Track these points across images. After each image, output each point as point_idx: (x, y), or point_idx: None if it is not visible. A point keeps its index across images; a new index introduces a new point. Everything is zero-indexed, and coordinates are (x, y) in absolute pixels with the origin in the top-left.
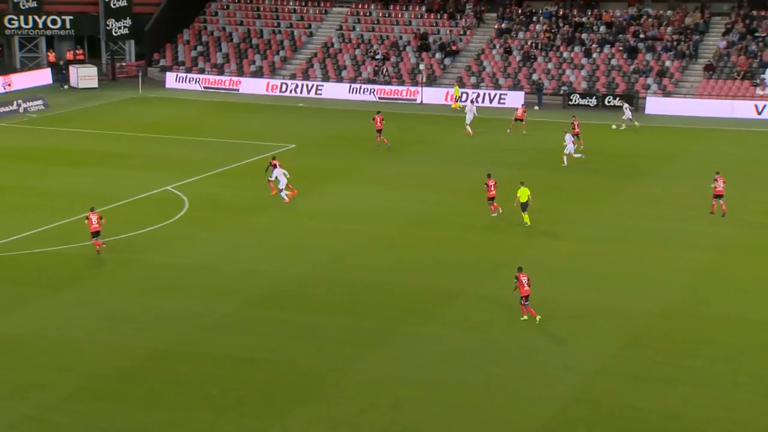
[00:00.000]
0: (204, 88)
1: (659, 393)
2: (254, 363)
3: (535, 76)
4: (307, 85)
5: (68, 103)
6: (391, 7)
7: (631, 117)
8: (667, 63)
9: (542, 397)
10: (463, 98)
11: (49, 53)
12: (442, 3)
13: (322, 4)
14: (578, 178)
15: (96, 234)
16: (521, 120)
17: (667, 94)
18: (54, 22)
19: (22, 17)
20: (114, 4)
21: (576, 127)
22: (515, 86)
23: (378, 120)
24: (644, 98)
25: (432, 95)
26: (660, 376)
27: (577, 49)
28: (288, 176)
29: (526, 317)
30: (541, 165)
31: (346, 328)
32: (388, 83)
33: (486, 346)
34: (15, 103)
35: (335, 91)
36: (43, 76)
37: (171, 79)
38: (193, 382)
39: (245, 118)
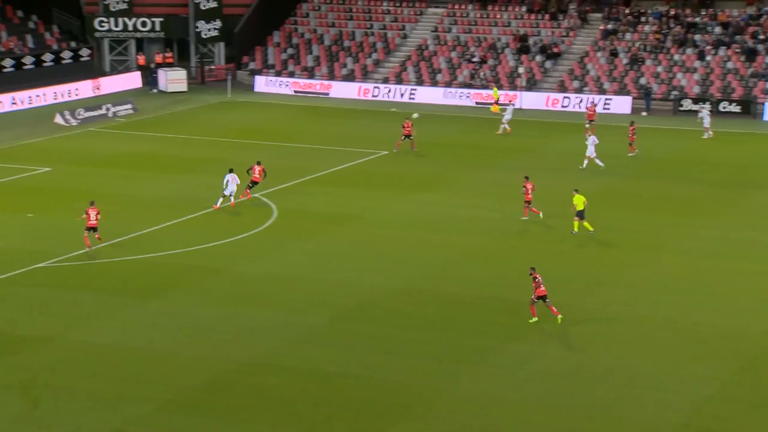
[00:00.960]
0: (294, 91)
1: None
2: (344, 378)
3: (643, 80)
4: (400, 90)
5: (157, 107)
6: (489, 8)
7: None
8: None
9: (649, 423)
10: (501, 98)
11: (138, 56)
12: (544, 3)
13: (417, 5)
14: (688, 188)
15: (92, 229)
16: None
17: None
18: (144, 24)
19: (112, 19)
20: (204, 6)
21: (632, 133)
22: (621, 91)
23: (408, 125)
24: (763, 104)
25: (531, 100)
26: None
27: (689, 51)
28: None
29: (536, 318)
30: (648, 175)
31: (439, 344)
32: (485, 87)
33: (586, 366)
34: (104, 107)
35: (429, 95)
36: (132, 80)
37: (260, 83)
38: (281, 396)
39: (335, 123)
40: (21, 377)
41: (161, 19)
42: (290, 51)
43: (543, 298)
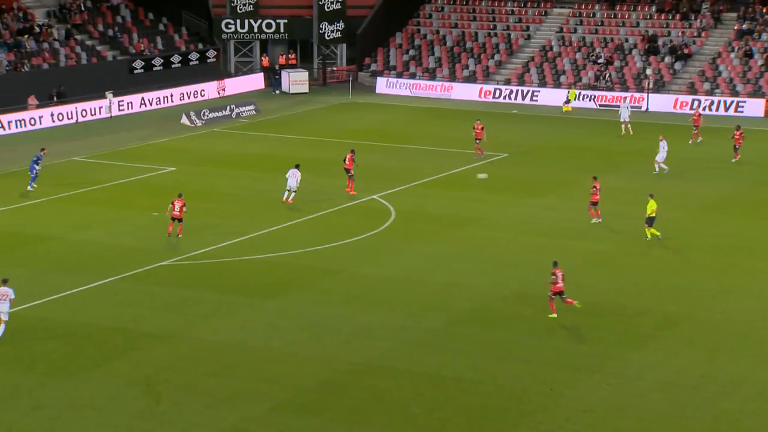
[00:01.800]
0: (414, 93)
1: None
2: (459, 383)
3: None
4: (522, 91)
5: (279, 109)
6: (617, 8)
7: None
8: None
9: None
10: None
11: (262, 58)
12: (675, 2)
13: (541, 5)
14: None
15: (176, 220)
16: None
17: None
18: (269, 25)
19: (238, 21)
20: (328, 7)
21: (738, 137)
22: (755, 93)
23: (478, 128)
24: None
25: (659, 102)
26: None
27: None
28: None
29: (555, 315)
30: None
31: (557, 351)
32: (611, 89)
33: (712, 377)
34: (228, 107)
35: (552, 97)
36: (255, 81)
37: (381, 84)
38: (396, 399)
39: (456, 125)
40: (144, 373)
41: (285, 21)
42: (412, 52)
43: (560, 293)
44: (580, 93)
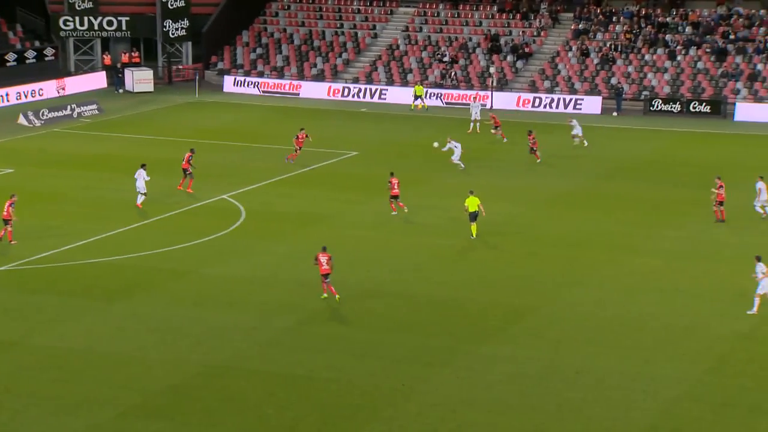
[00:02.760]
0: (263, 92)
1: (747, 421)
2: (311, 381)
3: (614, 80)
4: (370, 90)
5: (123, 108)
6: (461, 8)
7: (580, 133)
8: (759, 66)
9: (618, 425)
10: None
11: (104, 56)
12: (515, 3)
13: (387, 5)
14: (658, 189)
15: (5, 221)
16: (498, 127)
17: (759, 99)
18: (110, 23)
19: (77, 18)
20: (171, 5)
21: (532, 142)
22: (592, 91)
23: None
24: (733, 104)
25: (503, 100)
26: (748, 403)
27: (660, 51)
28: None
29: (326, 295)
30: (618, 175)
31: (408, 346)
32: (456, 87)
33: (557, 367)
34: (69, 107)
35: (400, 95)
36: (97, 80)
37: (229, 83)
38: (248, 400)
39: (305, 123)
40: None
41: (128, 18)
42: (259, 51)
43: (326, 275)
44: (427, 91)
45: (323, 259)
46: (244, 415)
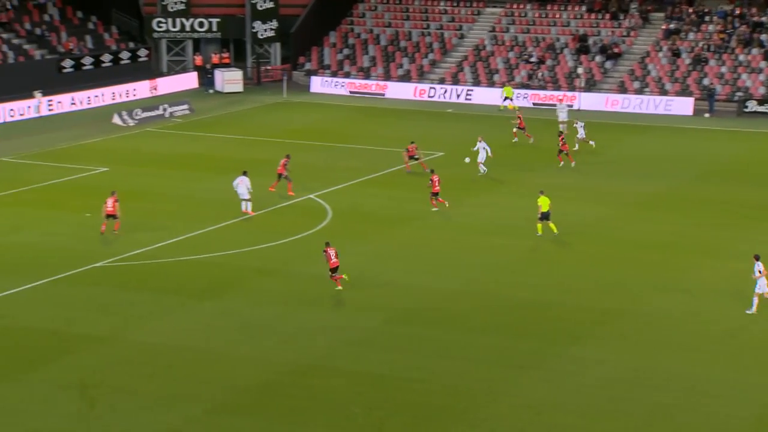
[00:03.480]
0: (349, 92)
1: None
2: (398, 382)
3: (706, 81)
4: (456, 90)
5: (213, 108)
6: (548, 8)
7: (584, 136)
8: None
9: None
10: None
11: (195, 56)
12: (604, 2)
13: (474, 5)
14: (754, 192)
15: (111, 216)
16: (523, 129)
17: None
18: (201, 24)
19: (170, 20)
20: (260, 6)
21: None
22: (683, 92)
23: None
24: None
25: (590, 101)
26: None
27: (755, 51)
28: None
29: (340, 287)
30: (712, 178)
31: (495, 348)
32: (543, 88)
33: (647, 372)
34: (161, 107)
35: (486, 96)
36: (189, 80)
37: (316, 83)
38: (335, 399)
39: (391, 124)
40: (79, 376)
41: (218, 20)
42: (346, 51)
43: (332, 270)
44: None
45: (332, 252)
46: (331, 414)
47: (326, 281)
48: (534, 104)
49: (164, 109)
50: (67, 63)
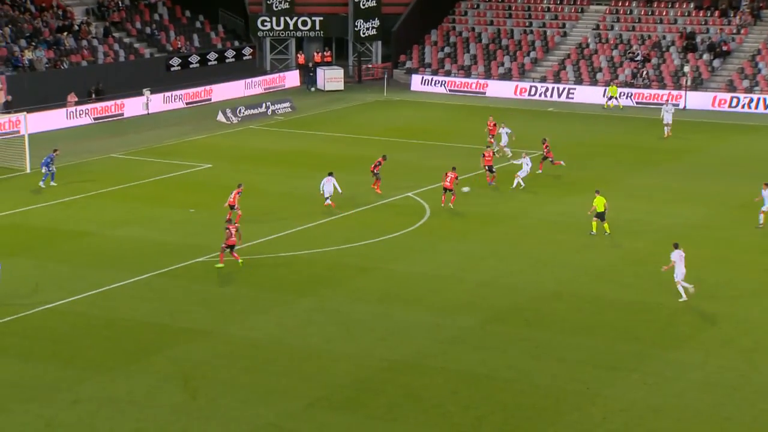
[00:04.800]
0: (449, 90)
1: None
2: (494, 381)
3: None
4: (558, 89)
5: (314, 106)
6: (655, 5)
7: (506, 143)
8: None
9: None
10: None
11: (298, 55)
12: (713, 0)
13: (578, 3)
14: None
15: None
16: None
17: None
18: (304, 23)
19: (274, 19)
20: (363, 5)
21: (546, 151)
22: None
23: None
24: None
25: (697, 100)
26: None
27: None
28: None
29: (222, 265)
30: None
31: (592, 349)
32: (648, 87)
33: (751, 377)
34: (264, 105)
35: (589, 95)
36: (291, 78)
37: (416, 82)
38: (431, 397)
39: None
40: (181, 369)
41: (321, 18)
42: (447, 50)
43: (231, 247)
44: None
45: (232, 230)
46: (427, 412)
47: (420, 279)
48: (638, 103)
49: (267, 107)
50: (175, 61)
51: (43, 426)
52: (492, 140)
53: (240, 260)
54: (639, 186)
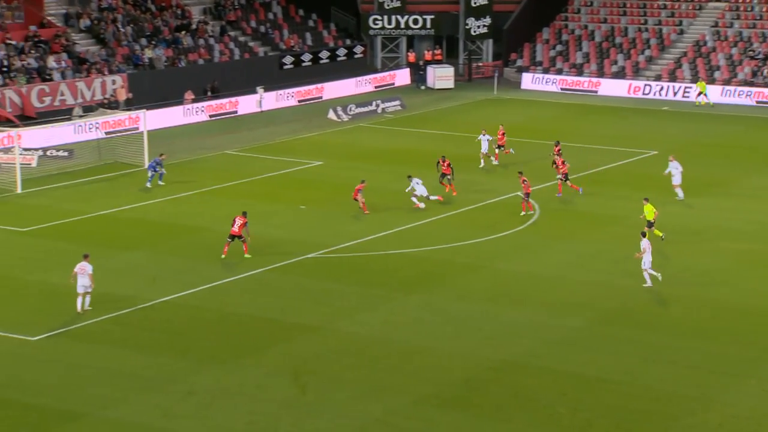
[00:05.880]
0: (561, 89)
1: None
2: (604, 384)
3: None
4: (673, 87)
5: (424, 104)
6: None
7: (486, 151)
8: None
9: None
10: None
11: (409, 53)
12: None
13: (695, 0)
14: None
15: (235, 237)
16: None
17: None
18: (415, 21)
19: (386, 17)
20: (475, 3)
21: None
22: None
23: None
24: None
25: None
26: None
27: None
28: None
29: (224, 256)
30: None
31: (706, 353)
32: None
33: None
34: (374, 103)
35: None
36: (401, 77)
37: (527, 80)
38: (539, 398)
39: (603, 121)
40: (291, 364)
41: (432, 17)
42: (559, 48)
43: (233, 237)
44: (735, 89)
45: (239, 221)
46: (535, 413)
47: (529, 279)
48: (757, 102)
49: (377, 105)
50: (288, 59)
51: (160, 416)
52: (508, 150)
53: (247, 255)
54: (759, 187)
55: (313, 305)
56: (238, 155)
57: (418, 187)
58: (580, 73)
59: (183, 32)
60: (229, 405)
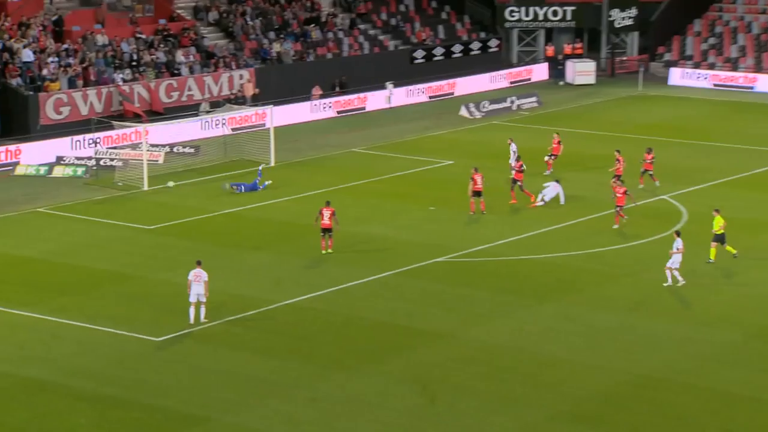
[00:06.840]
0: (713, 85)
1: None
2: (756, 403)
3: None
4: None
5: (562, 101)
6: None
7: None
8: None
9: None
10: None
11: (547, 47)
12: None
13: None
14: None
15: (327, 231)
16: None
17: None
18: (555, 13)
19: (523, 9)
20: None
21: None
22: None
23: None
24: None
25: None
26: None
27: None
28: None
29: (328, 251)
30: None
31: None
32: None
33: None
34: (509, 99)
35: None
36: (538, 72)
37: (675, 75)
38: (683, 416)
39: (760, 120)
40: (418, 372)
41: (573, 8)
42: (712, 41)
43: (327, 230)
44: None
45: (326, 213)
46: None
47: (676, 289)
48: None
49: (512, 102)
50: (419, 54)
51: (284, 422)
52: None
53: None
54: None
55: (440, 311)
56: (365, 153)
57: (549, 191)
58: (734, 68)
59: (312, 25)
60: (352, 413)
